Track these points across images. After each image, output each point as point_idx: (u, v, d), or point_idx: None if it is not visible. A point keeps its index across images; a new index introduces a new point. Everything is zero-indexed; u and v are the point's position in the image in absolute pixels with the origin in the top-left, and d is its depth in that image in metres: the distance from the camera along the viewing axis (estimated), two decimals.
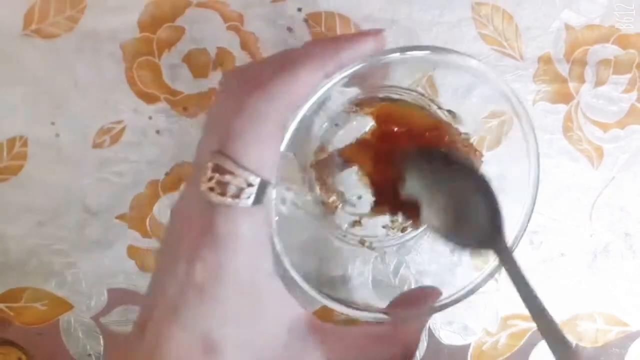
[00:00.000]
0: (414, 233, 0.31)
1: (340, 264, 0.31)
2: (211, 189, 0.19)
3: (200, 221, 0.19)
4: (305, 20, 0.33)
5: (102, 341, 0.35)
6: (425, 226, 0.30)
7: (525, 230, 0.24)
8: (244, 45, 0.33)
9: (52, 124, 0.34)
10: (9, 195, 0.34)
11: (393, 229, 0.31)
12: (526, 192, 0.24)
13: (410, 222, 0.30)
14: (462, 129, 0.29)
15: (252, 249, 0.19)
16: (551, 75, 0.34)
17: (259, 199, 0.19)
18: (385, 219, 0.31)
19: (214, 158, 0.19)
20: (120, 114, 0.34)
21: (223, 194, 0.19)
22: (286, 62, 0.20)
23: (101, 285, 0.35)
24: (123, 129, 0.34)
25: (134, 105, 0.34)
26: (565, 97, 0.34)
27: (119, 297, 0.35)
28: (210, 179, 0.19)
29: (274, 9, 0.33)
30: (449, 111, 0.29)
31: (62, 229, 0.34)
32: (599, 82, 0.34)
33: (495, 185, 0.25)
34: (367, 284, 0.31)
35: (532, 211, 0.24)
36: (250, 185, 0.19)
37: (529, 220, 0.24)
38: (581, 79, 0.34)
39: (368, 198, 0.29)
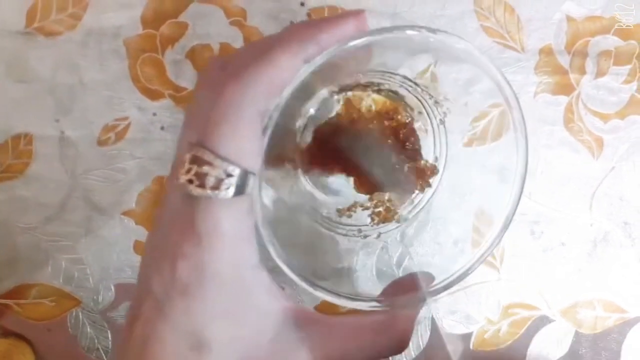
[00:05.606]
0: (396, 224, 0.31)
1: (341, 256, 0.31)
2: (190, 181, 0.18)
3: (181, 217, 0.19)
4: (308, 15, 0.33)
5: (110, 335, 0.36)
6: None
7: (515, 211, 0.24)
8: (247, 41, 0.33)
9: (57, 121, 0.34)
10: (16, 192, 0.34)
11: (376, 217, 0.31)
12: (515, 175, 0.23)
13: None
14: (446, 110, 0.29)
15: (234, 243, 0.19)
16: (552, 66, 0.34)
17: (240, 189, 0.18)
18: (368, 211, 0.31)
19: (192, 149, 0.18)
20: (125, 110, 0.34)
21: (202, 185, 0.18)
22: (264, 47, 0.19)
23: (108, 281, 0.35)
24: (128, 126, 0.34)
25: (138, 102, 0.34)
26: (566, 89, 0.34)
27: (126, 292, 0.35)
28: (189, 170, 0.18)
29: (277, 4, 0.33)
30: (423, 87, 0.29)
31: (69, 226, 0.34)
32: (599, 73, 0.34)
33: (497, 177, 0.25)
34: (372, 275, 0.31)
35: (520, 193, 0.24)
36: (229, 175, 0.18)
37: (518, 202, 0.24)
38: (582, 71, 0.34)
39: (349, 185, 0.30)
